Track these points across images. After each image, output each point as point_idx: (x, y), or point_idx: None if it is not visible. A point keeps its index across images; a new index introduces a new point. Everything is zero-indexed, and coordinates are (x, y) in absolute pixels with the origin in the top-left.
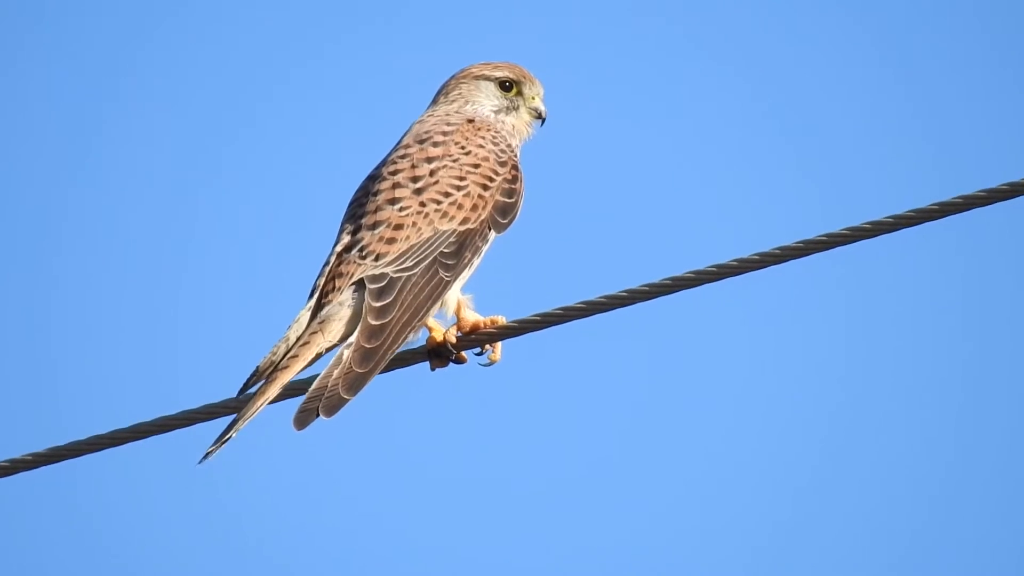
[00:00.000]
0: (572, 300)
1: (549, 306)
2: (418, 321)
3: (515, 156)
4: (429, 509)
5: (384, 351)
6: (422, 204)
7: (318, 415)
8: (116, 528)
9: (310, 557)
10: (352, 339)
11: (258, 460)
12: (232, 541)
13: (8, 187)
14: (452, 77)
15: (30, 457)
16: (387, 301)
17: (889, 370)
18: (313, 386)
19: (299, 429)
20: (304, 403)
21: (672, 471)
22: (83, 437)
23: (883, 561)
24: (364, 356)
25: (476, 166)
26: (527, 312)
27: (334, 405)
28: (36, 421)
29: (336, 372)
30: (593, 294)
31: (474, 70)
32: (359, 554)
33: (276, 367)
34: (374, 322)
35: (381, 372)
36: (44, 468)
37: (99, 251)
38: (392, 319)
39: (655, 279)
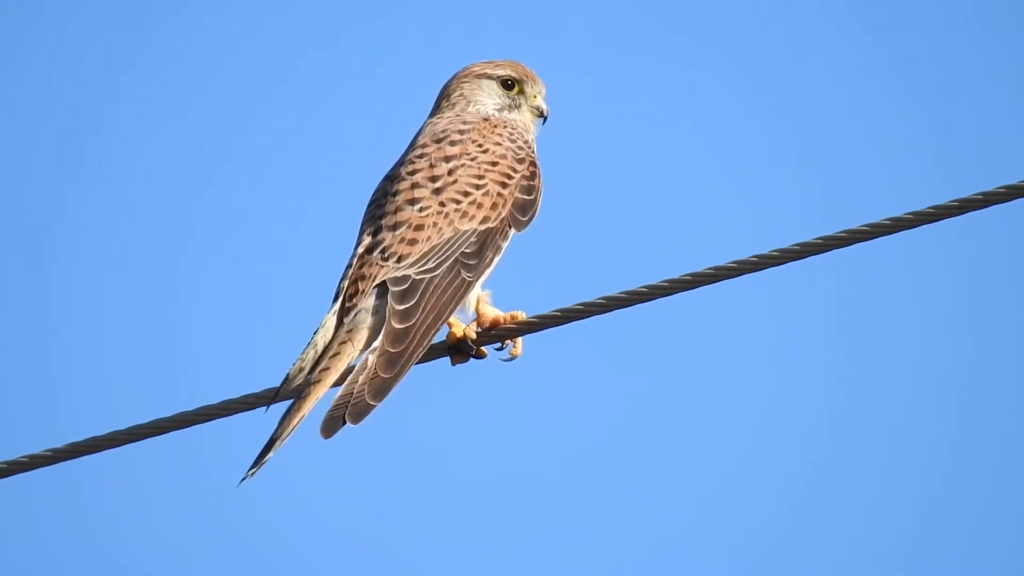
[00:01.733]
0: (591, 296)
1: (569, 302)
2: (441, 323)
3: (533, 152)
4: (446, 506)
5: (409, 355)
6: (442, 204)
7: (344, 422)
8: (123, 526)
9: (319, 557)
10: (376, 344)
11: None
12: (240, 541)
13: (9, 186)
14: (453, 77)
15: (49, 453)
16: (410, 304)
17: (890, 371)
18: (339, 393)
19: (326, 437)
20: (330, 411)
21: (691, 466)
22: (101, 433)
23: (883, 564)
24: (389, 360)
25: (494, 164)
26: (547, 308)
27: (360, 411)
28: (56, 418)
29: (362, 378)
30: (612, 290)
31: (476, 68)
32: (373, 554)
33: (308, 381)
34: (398, 325)
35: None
36: (62, 464)
37: (99, 251)
38: (416, 322)
39: (674, 275)
